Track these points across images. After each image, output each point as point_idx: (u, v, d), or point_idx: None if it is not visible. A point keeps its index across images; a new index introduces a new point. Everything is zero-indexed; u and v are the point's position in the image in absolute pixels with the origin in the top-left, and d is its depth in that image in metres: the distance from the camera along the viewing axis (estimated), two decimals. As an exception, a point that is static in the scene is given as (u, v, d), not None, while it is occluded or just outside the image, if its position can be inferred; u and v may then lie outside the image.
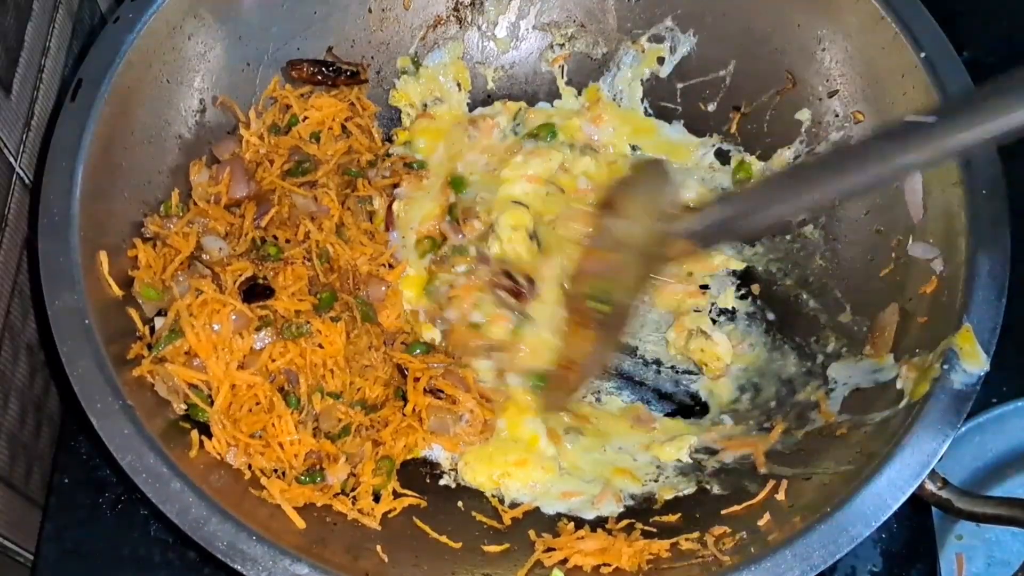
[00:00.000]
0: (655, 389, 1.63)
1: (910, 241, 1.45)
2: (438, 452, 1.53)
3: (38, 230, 1.32)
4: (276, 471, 1.37)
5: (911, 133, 1.13)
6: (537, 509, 1.46)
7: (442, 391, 1.51)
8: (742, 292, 1.68)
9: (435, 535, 1.39)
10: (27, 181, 1.46)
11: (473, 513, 1.44)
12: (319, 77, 1.67)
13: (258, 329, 1.38)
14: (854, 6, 1.53)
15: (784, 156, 1.69)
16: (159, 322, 1.40)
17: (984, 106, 1.08)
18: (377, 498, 1.41)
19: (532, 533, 1.39)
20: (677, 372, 1.64)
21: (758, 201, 1.36)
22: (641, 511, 1.46)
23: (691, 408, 1.61)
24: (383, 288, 1.56)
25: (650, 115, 1.81)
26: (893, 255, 1.48)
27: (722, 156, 1.77)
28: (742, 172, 1.73)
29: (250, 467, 1.36)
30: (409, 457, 1.50)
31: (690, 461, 1.51)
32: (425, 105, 1.79)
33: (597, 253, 1.51)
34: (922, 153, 1.14)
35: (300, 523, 1.30)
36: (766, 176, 1.46)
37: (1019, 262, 1.35)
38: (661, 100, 1.81)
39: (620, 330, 1.53)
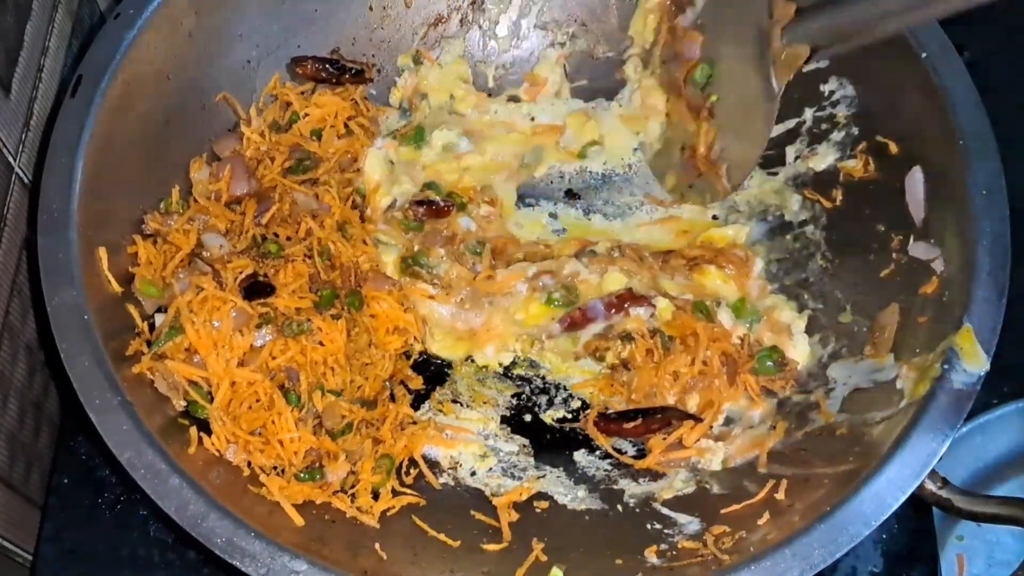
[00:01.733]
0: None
1: (911, 241, 1.45)
2: (437, 451, 1.52)
3: (37, 226, 1.32)
4: (275, 468, 1.37)
5: None
6: (535, 508, 1.46)
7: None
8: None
9: (434, 533, 1.39)
10: (26, 181, 1.46)
11: (472, 511, 1.44)
12: (323, 74, 1.67)
13: (258, 326, 1.38)
14: (855, 5, 1.53)
15: (787, 156, 1.69)
16: (159, 319, 1.40)
17: None
18: (376, 496, 1.41)
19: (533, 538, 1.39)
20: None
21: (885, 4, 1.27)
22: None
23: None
24: (386, 286, 1.56)
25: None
26: (894, 255, 1.48)
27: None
28: None
29: (249, 464, 1.36)
30: (408, 455, 1.49)
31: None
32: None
33: (688, 33, 1.45)
34: None
35: (299, 520, 1.30)
36: None
37: (1019, 262, 1.35)
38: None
39: (751, 126, 1.46)
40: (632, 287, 1.62)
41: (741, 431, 1.52)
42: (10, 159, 1.41)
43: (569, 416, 1.60)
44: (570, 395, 1.62)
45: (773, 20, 1.35)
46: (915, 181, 1.46)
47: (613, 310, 1.60)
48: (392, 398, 1.54)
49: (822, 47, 1.35)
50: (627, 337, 1.58)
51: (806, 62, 1.37)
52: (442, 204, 1.67)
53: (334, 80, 1.68)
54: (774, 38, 1.35)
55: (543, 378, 1.63)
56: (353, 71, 1.69)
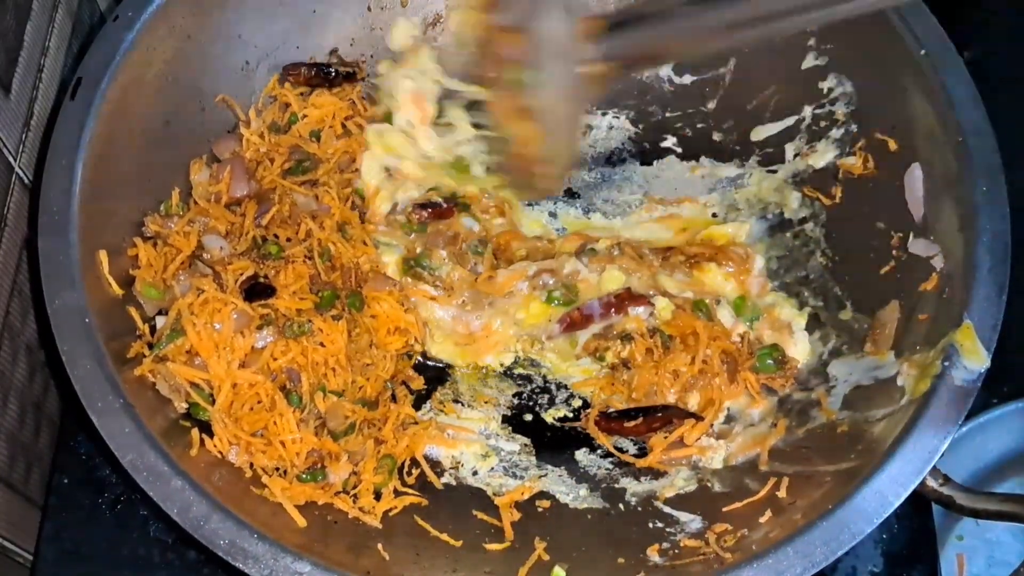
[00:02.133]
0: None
1: (911, 238, 1.45)
2: (439, 451, 1.52)
3: (38, 229, 1.32)
4: (277, 469, 1.37)
5: None
6: (537, 507, 1.46)
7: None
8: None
9: (436, 533, 1.39)
10: (26, 181, 1.46)
11: (474, 511, 1.44)
12: (316, 80, 1.67)
13: (259, 328, 1.38)
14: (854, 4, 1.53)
15: (786, 153, 1.70)
16: (160, 321, 1.40)
17: None
18: (378, 496, 1.41)
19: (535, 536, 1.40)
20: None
21: (689, 20, 1.25)
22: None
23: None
24: (386, 287, 1.56)
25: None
26: (894, 252, 1.48)
27: (718, 151, 1.78)
28: None
29: (251, 465, 1.36)
30: (410, 456, 1.50)
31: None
32: None
33: (504, 35, 1.38)
34: None
35: (301, 521, 1.30)
36: None
37: (1019, 261, 1.35)
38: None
39: (568, 119, 1.42)
40: (631, 286, 1.62)
41: (742, 429, 1.52)
42: (10, 159, 1.41)
43: (570, 415, 1.60)
44: (571, 394, 1.62)
45: (582, 35, 1.31)
46: (914, 178, 1.46)
47: (612, 310, 1.60)
48: (393, 398, 1.53)
49: (628, 66, 1.34)
50: (626, 337, 1.58)
51: (615, 78, 1.34)
52: (445, 205, 1.67)
53: (327, 86, 1.68)
54: (583, 53, 1.31)
55: (544, 377, 1.63)
56: (344, 75, 1.69)
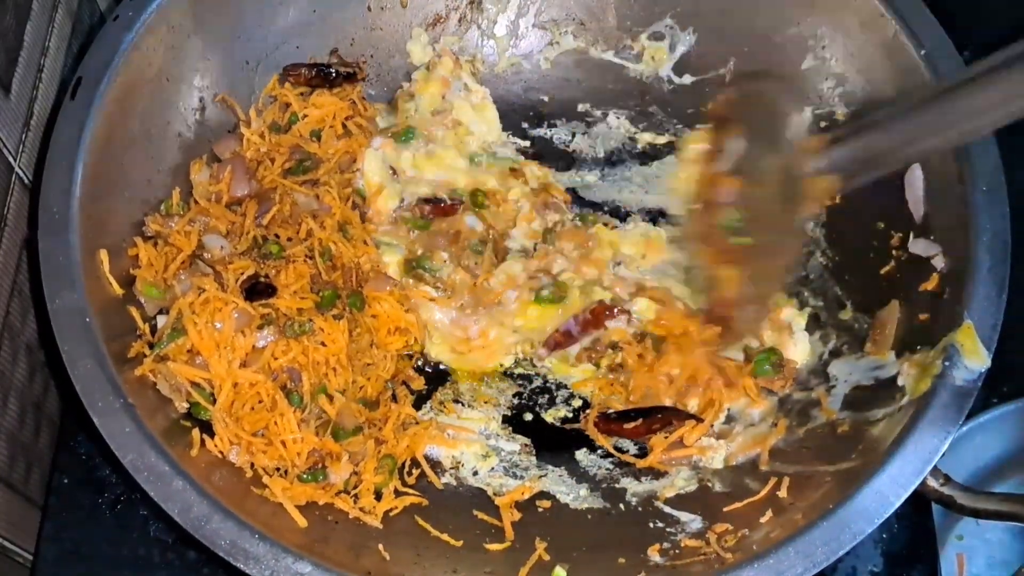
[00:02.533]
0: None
1: (911, 238, 1.45)
2: (439, 451, 1.52)
3: (38, 229, 1.32)
4: (278, 469, 1.37)
5: None
6: (538, 507, 1.46)
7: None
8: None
9: (436, 533, 1.39)
10: (26, 181, 1.46)
11: (475, 511, 1.44)
12: (316, 81, 1.67)
13: (260, 327, 1.38)
14: (854, 4, 1.53)
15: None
16: (161, 321, 1.40)
17: None
18: (379, 496, 1.41)
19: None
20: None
21: (914, 128, 1.23)
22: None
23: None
24: (387, 287, 1.56)
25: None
26: (894, 252, 1.48)
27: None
28: None
29: (252, 465, 1.36)
30: (410, 456, 1.49)
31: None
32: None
33: (723, 179, 1.40)
34: None
35: (302, 521, 1.30)
36: (919, 96, 1.26)
37: (1019, 261, 1.35)
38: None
39: (774, 265, 1.42)
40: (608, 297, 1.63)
41: (742, 429, 1.52)
42: (10, 159, 1.40)
43: (570, 415, 1.60)
44: (571, 394, 1.62)
45: (801, 153, 1.31)
46: (914, 178, 1.46)
47: (590, 327, 1.60)
48: (394, 398, 1.53)
49: (851, 176, 1.29)
50: (615, 346, 1.58)
51: (838, 191, 1.33)
52: (449, 202, 1.67)
53: (327, 85, 1.68)
54: (802, 169, 1.31)
55: (544, 377, 1.63)
56: (345, 75, 1.69)
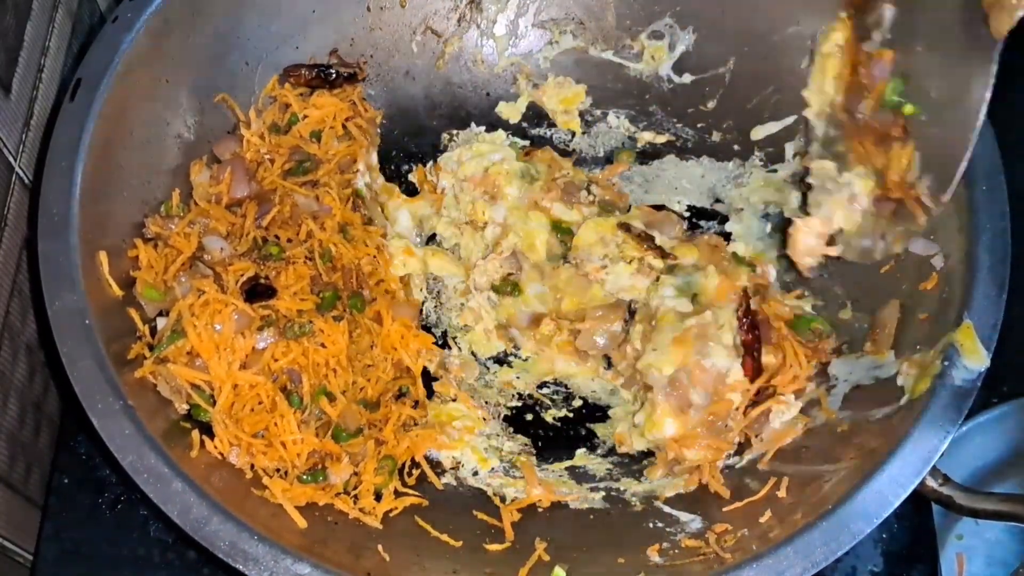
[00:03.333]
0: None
1: (911, 237, 1.45)
2: (439, 451, 1.53)
3: (38, 230, 1.32)
4: (278, 471, 1.37)
5: None
6: (537, 507, 1.46)
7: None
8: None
9: (436, 533, 1.39)
10: (26, 181, 1.46)
11: (474, 512, 1.44)
12: (316, 82, 1.67)
13: (260, 329, 1.38)
14: (854, 4, 1.53)
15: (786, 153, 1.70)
16: (160, 322, 1.40)
17: None
18: (379, 497, 1.41)
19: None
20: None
21: None
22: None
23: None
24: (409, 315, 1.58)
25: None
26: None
27: (718, 151, 1.79)
28: None
29: (252, 467, 1.36)
30: (410, 456, 1.50)
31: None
32: None
33: (877, 55, 1.34)
34: None
35: (302, 522, 1.30)
36: None
37: (1019, 261, 1.35)
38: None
39: (962, 125, 1.26)
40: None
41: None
42: (10, 159, 1.41)
43: (571, 415, 1.60)
44: (570, 394, 1.62)
45: None
46: (915, 178, 1.46)
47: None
48: (399, 395, 1.54)
49: None
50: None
51: None
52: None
53: (328, 85, 1.68)
54: None
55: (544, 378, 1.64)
56: (345, 76, 1.69)
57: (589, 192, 1.74)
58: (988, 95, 1.22)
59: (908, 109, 1.32)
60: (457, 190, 1.73)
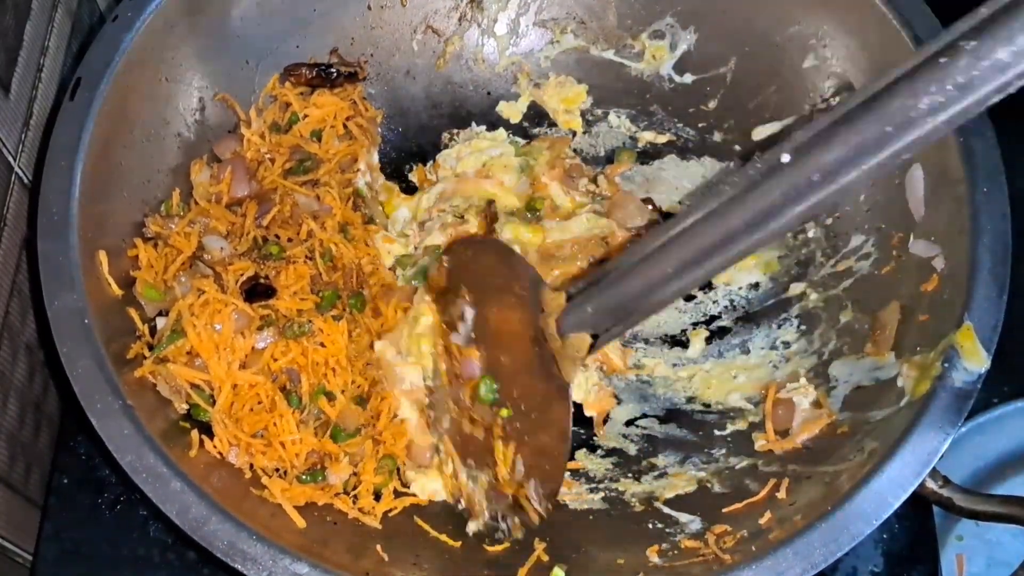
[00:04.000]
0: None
1: (911, 239, 1.45)
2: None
3: (37, 230, 1.32)
4: (277, 470, 1.37)
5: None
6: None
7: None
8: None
9: (435, 534, 1.39)
10: (26, 181, 1.46)
11: (474, 512, 1.44)
12: (317, 81, 1.67)
13: (260, 328, 1.38)
14: (855, 3, 1.53)
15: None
16: (160, 322, 1.40)
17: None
18: (378, 497, 1.41)
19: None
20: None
21: (660, 267, 1.11)
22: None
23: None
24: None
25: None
26: (894, 253, 1.47)
27: (719, 151, 1.79)
28: None
29: (251, 466, 1.36)
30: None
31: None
32: None
33: (464, 351, 1.39)
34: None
35: (301, 522, 1.30)
36: (659, 230, 1.13)
37: (1020, 261, 1.35)
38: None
39: (555, 446, 1.33)
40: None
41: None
42: (10, 159, 1.41)
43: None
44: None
45: (545, 314, 1.29)
46: (914, 178, 1.45)
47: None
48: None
49: (603, 330, 1.23)
50: None
51: (591, 349, 1.26)
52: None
53: (328, 86, 1.68)
54: (551, 334, 1.28)
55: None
56: (346, 75, 1.69)
57: (595, 183, 1.74)
58: (568, 429, 1.31)
59: (504, 412, 1.36)
60: (451, 185, 1.73)
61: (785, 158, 0.96)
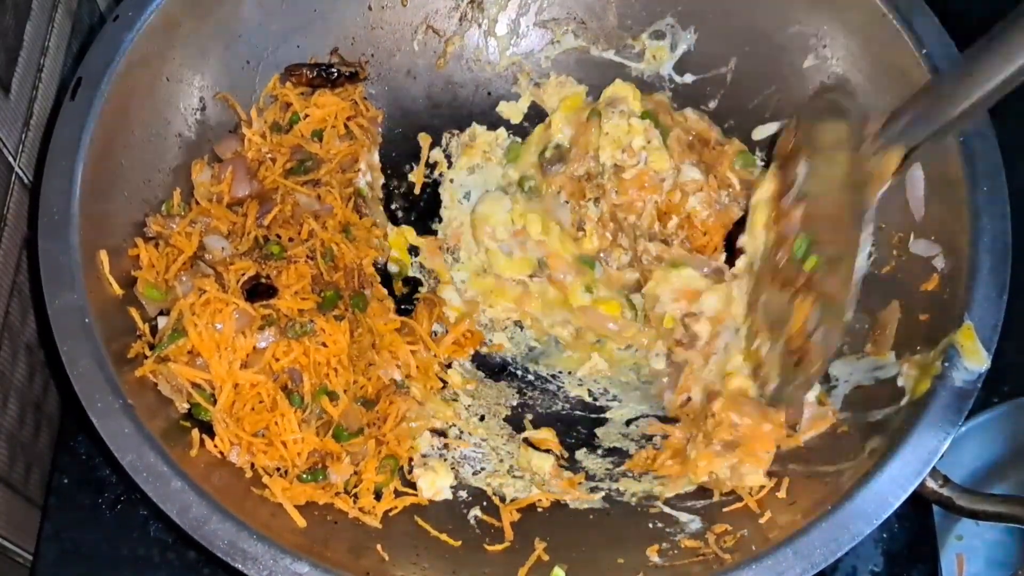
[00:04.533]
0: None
1: (911, 238, 1.45)
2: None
3: (38, 229, 1.32)
4: (278, 470, 1.37)
5: None
6: (537, 507, 1.46)
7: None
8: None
9: (436, 533, 1.39)
10: (26, 181, 1.46)
11: (474, 511, 1.44)
12: (317, 81, 1.67)
13: (261, 328, 1.38)
14: (856, 3, 1.53)
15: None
16: (161, 322, 1.40)
17: None
18: (378, 496, 1.41)
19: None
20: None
21: (967, 74, 1.16)
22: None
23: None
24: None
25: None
26: (894, 252, 1.47)
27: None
28: None
29: (252, 466, 1.36)
30: (411, 455, 1.50)
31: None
32: None
33: (790, 210, 1.42)
34: None
35: (301, 522, 1.30)
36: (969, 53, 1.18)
37: (1020, 261, 1.35)
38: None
39: (843, 285, 1.32)
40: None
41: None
42: (10, 159, 1.41)
43: (568, 409, 1.61)
44: (570, 394, 1.62)
45: (865, 136, 1.30)
46: (914, 178, 1.46)
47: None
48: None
49: (914, 143, 1.25)
50: None
51: (901, 165, 1.27)
52: None
53: (329, 86, 1.68)
54: (866, 152, 1.29)
55: (544, 378, 1.64)
56: (347, 75, 1.69)
57: (597, 204, 1.74)
58: (863, 261, 1.30)
59: (809, 264, 1.37)
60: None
61: None
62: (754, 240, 1.53)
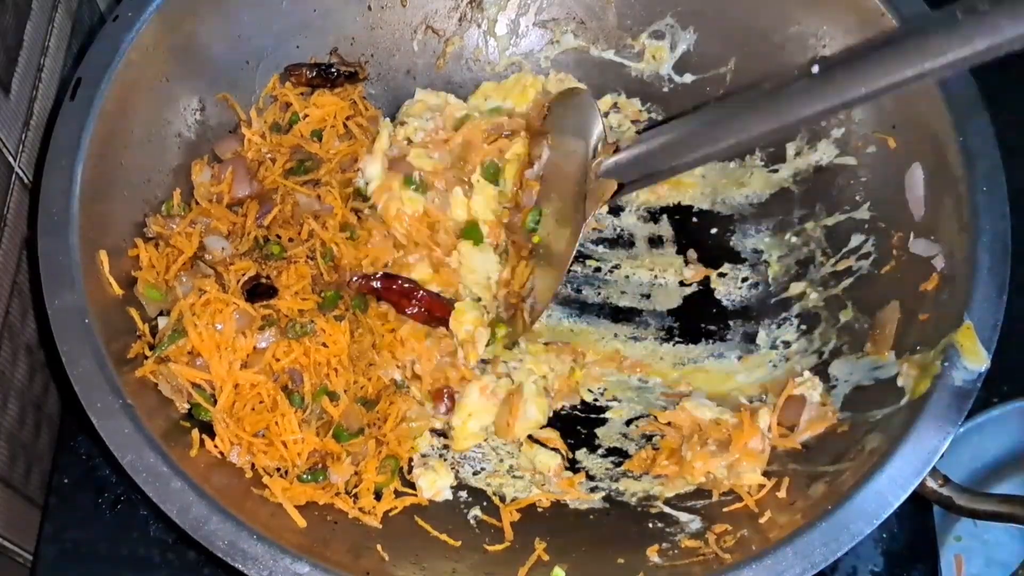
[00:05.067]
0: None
1: (911, 238, 1.45)
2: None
3: (38, 229, 1.32)
4: (279, 470, 1.37)
5: (862, 58, 1.13)
6: (537, 507, 1.46)
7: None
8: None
9: (436, 534, 1.39)
10: (26, 181, 1.46)
11: (474, 511, 1.44)
12: (317, 81, 1.67)
13: (261, 328, 1.38)
14: (855, 3, 1.53)
15: (787, 152, 1.70)
16: (161, 322, 1.40)
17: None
18: (378, 497, 1.41)
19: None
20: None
21: (685, 139, 1.37)
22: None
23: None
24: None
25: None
26: (894, 252, 1.47)
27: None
28: None
29: (252, 466, 1.36)
30: (411, 455, 1.50)
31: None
32: None
33: (529, 183, 1.57)
34: (874, 82, 1.12)
35: (301, 522, 1.30)
36: (697, 109, 1.41)
37: (1019, 261, 1.35)
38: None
39: (554, 277, 1.52)
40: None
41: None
42: (10, 159, 1.40)
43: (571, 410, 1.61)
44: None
45: (594, 160, 1.47)
46: (915, 178, 1.46)
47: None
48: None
49: (628, 183, 1.44)
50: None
51: (614, 196, 1.45)
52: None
53: (328, 86, 1.68)
54: (591, 174, 1.47)
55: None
56: (346, 75, 1.69)
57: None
58: (567, 261, 1.49)
59: (535, 239, 1.56)
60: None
61: (814, 69, 1.18)
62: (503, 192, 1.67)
